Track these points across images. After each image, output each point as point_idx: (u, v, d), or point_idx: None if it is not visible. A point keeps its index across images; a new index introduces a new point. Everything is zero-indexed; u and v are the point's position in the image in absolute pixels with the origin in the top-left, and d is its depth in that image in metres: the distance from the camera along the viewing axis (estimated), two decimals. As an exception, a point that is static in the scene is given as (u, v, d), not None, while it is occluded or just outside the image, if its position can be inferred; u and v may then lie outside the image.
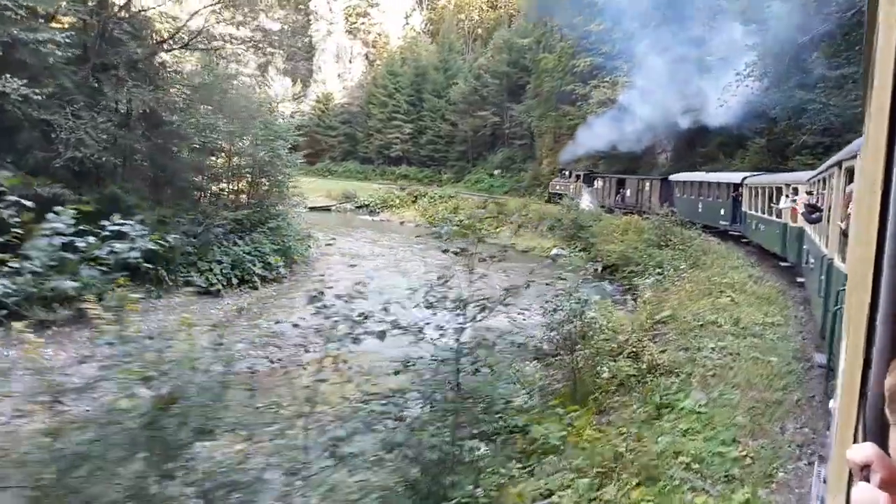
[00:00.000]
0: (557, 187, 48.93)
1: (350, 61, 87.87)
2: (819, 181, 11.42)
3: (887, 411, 1.08)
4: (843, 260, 6.79)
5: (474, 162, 67.94)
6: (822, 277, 8.50)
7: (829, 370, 6.69)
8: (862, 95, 2.75)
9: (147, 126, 20.57)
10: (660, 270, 20.12)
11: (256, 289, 23.13)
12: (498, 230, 46.52)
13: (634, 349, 9.58)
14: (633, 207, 35.67)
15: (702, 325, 10.09)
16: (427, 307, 6.67)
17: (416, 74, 74.83)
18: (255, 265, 23.48)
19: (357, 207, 63.17)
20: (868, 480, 1.08)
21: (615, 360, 9.38)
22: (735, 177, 24.34)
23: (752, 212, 20.80)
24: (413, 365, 6.56)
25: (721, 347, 9.00)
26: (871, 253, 1.31)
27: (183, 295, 20.63)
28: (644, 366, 8.87)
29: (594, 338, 10.12)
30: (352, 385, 5.77)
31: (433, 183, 69.61)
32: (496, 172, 63.07)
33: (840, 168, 7.94)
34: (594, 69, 44.51)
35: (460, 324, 6.89)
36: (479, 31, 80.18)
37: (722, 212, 25.14)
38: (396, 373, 6.50)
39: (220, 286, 21.14)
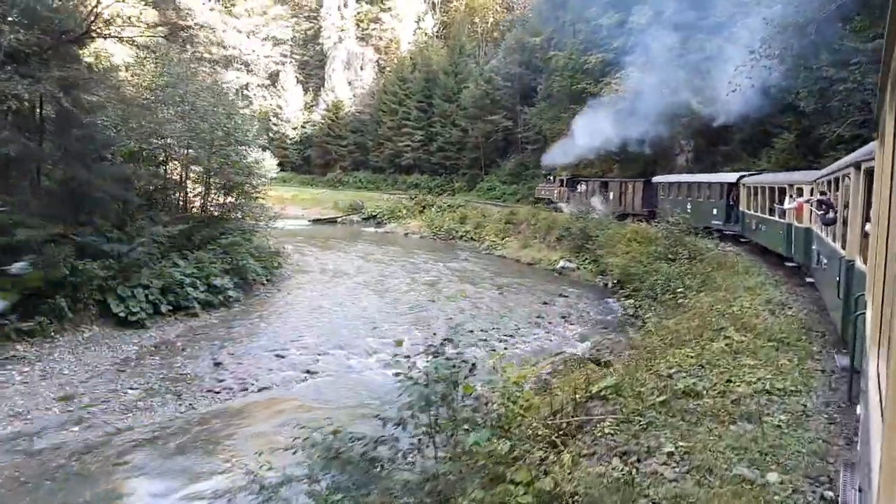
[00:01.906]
0: (542, 192, 48.29)
1: (361, 68, 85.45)
2: (831, 182, 11.25)
3: None
4: (864, 261, 6.63)
5: (486, 169, 64.52)
6: (840, 279, 8.44)
7: (855, 373, 6.27)
8: (878, 101, 2.63)
9: (58, 129, 17.77)
10: (653, 295, 16.49)
11: (197, 316, 20.17)
12: (505, 241, 43.31)
13: (540, 449, 5.98)
14: (616, 210, 34.98)
15: (666, 401, 6.54)
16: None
17: (426, 80, 71.88)
18: (196, 288, 20.52)
19: (364, 219, 60.44)
20: None
21: (492, 483, 5.50)
22: (730, 177, 24.64)
23: (752, 212, 20.71)
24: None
25: (685, 452, 5.48)
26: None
27: (99, 327, 17.79)
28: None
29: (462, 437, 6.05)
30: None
31: (445, 192, 66.62)
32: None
33: (859, 169, 7.88)
34: (606, 66, 40.95)
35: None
36: (496, 34, 76.89)
37: (715, 212, 24.90)
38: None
39: (142, 315, 18.16)
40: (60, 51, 17.19)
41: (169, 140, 22.31)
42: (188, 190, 24.27)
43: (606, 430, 6.03)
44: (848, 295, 7.77)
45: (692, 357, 8.36)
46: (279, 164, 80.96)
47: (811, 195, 13.50)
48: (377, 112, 76.03)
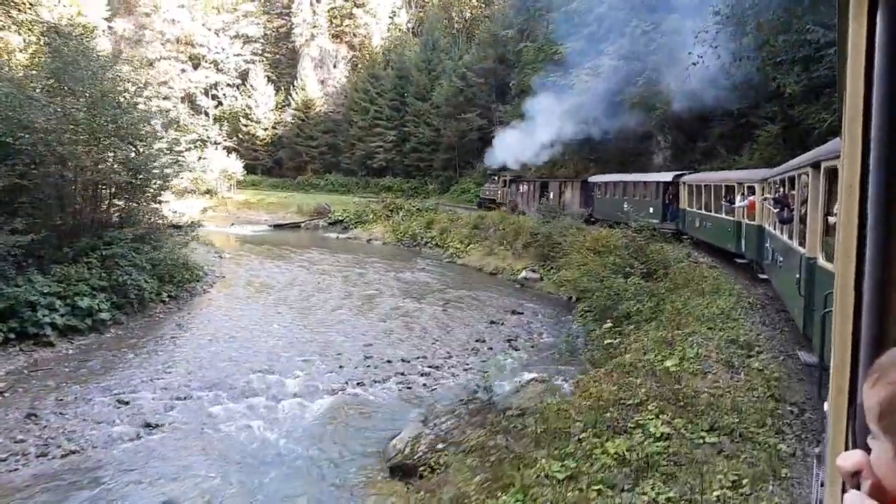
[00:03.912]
0: (487, 193, 48.07)
1: (334, 66, 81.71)
2: (784, 180, 11.36)
3: (867, 422, 1.05)
4: (827, 259, 6.94)
5: (461, 171, 60.97)
6: (800, 276, 8.31)
7: (823, 370, 6.25)
8: (838, 97, 2.44)
9: None
10: (600, 318, 12.95)
11: (52, 345, 16.52)
12: (469, 248, 39.71)
13: None
14: (555, 210, 34.57)
15: None
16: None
17: (398, 77, 68.29)
18: (55, 311, 16.89)
19: (331, 224, 56.68)
20: (859, 488, 1.06)
21: None
22: (665, 176, 25.53)
23: (694, 209, 20.99)
24: None
25: None
26: (853, 253, 1.35)
27: None
28: None
29: None
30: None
31: (419, 194, 63.10)
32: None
33: (818, 168, 7.88)
34: (577, 55, 37.50)
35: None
36: (472, 30, 73.31)
37: (651, 210, 25.23)
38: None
39: (-38, 348, 14.54)
40: None
41: (47, 135, 18.61)
42: (78, 193, 20.52)
43: None
44: (810, 292, 7.77)
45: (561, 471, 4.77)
46: (250, 168, 77.65)
47: (763, 193, 13.41)
48: (348, 111, 72.44)
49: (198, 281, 25.28)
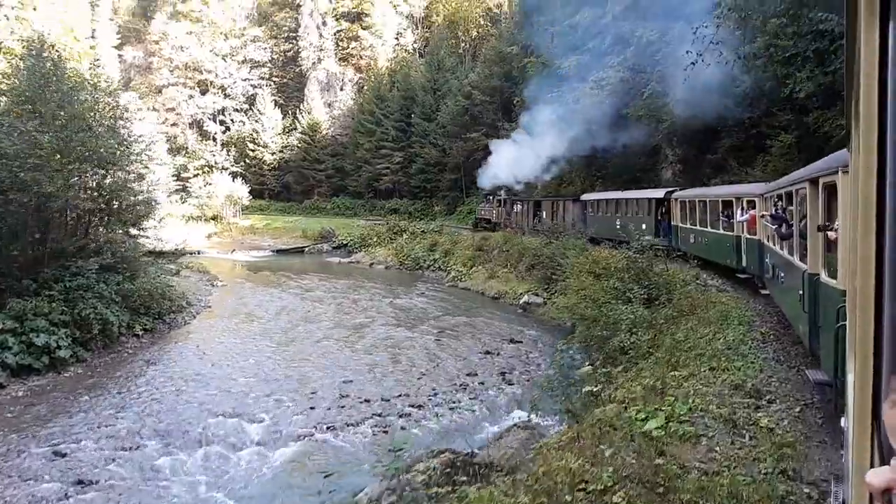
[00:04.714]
0: (483, 212, 48.08)
1: (341, 89, 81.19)
2: (782, 195, 11.15)
3: (891, 441, 1.05)
4: (830, 275, 6.91)
5: (468, 191, 59.64)
6: (804, 292, 8.21)
7: (834, 387, 6.22)
8: (846, 111, 2.55)
9: None
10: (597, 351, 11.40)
11: (2, 386, 15.24)
12: (472, 271, 38.16)
13: None
14: (550, 230, 33.99)
15: None
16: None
17: (404, 98, 67.45)
18: (7, 349, 15.67)
19: (335, 248, 55.51)
20: None
21: None
22: (657, 193, 25.42)
23: (688, 225, 21.00)
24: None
25: None
26: (872, 266, 1.33)
27: None
28: None
29: None
30: None
31: (426, 216, 61.90)
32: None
33: (816, 185, 7.82)
34: (581, 69, 36.17)
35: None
36: (479, 49, 72.45)
37: (644, 227, 25.03)
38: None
39: None
40: None
41: (11, 161, 17.57)
42: (41, 221, 19.41)
43: None
44: (815, 308, 7.71)
45: None
46: (258, 192, 76.96)
47: (765, 207, 13.27)
48: (355, 134, 71.67)
49: (180, 312, 24.03)
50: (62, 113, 19.26)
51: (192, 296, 27.04)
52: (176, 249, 25.69)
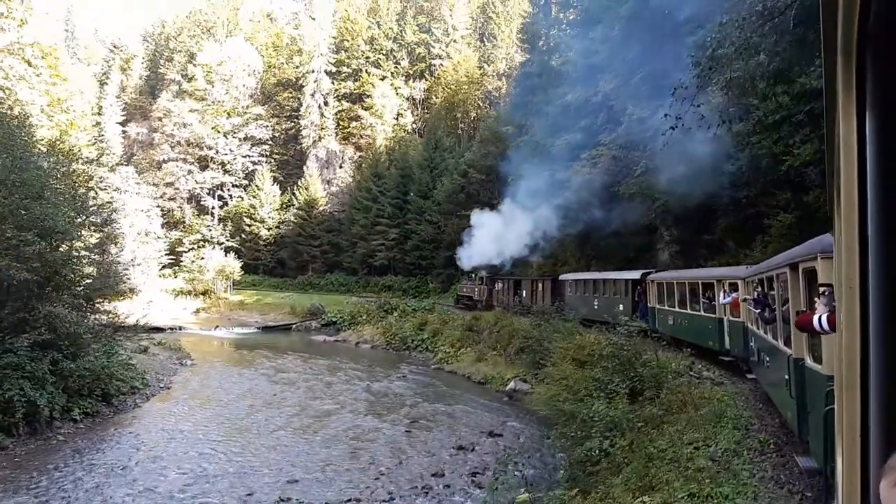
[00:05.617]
0: (465, 290, 48.55)
1: (340, 166, 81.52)
2: (763, 280, 11.11)
3: None
4: (815, 360, 6.93)
5: (462, 268, 58.32)
6: (790, 378, 8.13)
7: (824, 474, 6.28)
8: (828, 196, 2.53)
9: None
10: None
11: None
12: (459, 352, 36.20)
13: None
14: (528, 308, 34.73)
15: None
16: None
17: (401, 175, 67.37)
18: None
19: (324, 325, 53.60)
20: None
21: None
22: (634, 274, 25.77)
23: (666, 307, 20.90)
24: None
25: None
26: (857, 354, 1.30)
27: None
28: None
29: None
30: None
31: (420, 293, 60.36)
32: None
33: (796, 270, 7.86)
34: (574, 148, 35.47)
35: None
36: (476, 129, 73.12)
37: (621, 307, 25.25)
38: None
39: None
40: None
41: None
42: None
43: None
44: (801, 393, 7.62)
45: None
46: (252, 267, 75.88)
47: (747, 291, 13.19)
48: (351, 210, 71.23)
49: (133, 394, 22.11)
50: (12, 177, 18.12)
51: (152, 375, 25.15)
52: (136, 324, 23.95)
